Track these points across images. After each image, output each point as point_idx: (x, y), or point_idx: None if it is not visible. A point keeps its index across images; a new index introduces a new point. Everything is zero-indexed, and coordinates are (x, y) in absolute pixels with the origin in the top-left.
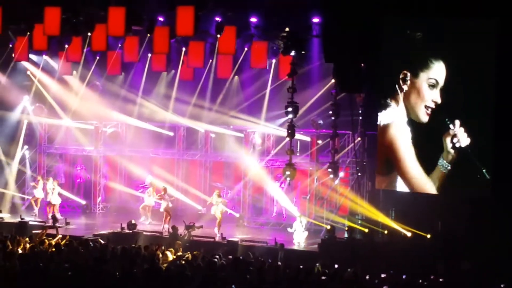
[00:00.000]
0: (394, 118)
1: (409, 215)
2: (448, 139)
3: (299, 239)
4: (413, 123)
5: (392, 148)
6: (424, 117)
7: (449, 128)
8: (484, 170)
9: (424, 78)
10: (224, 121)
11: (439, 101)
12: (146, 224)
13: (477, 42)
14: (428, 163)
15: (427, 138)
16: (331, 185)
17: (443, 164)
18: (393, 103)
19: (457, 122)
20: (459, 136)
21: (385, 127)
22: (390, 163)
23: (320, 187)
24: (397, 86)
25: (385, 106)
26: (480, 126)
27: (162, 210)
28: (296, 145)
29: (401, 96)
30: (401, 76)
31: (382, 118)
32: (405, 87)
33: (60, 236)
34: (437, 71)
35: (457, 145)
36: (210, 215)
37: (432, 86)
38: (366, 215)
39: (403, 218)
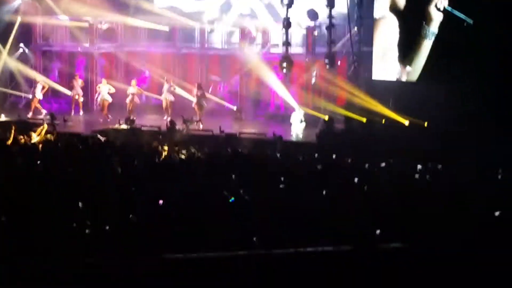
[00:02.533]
0: (382, 11)
1: (406, 103)
2: (431, 8)
3: (297, 131)
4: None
5: (385, 39)
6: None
7: None
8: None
9: None
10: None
11: None
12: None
13: None
14: (412, 44)
15: (412, 12)
16: (328, 76)
17: (431, 31)
18: None
19: None
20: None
21: (377, 21)
22: (386, 53)
23: (318, 78)
24: None
25: None
26: None
27: (165, 104)
28: (293, 37)
29: None
30: None
31: (375, 11)
32: None
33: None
34: None
35: (441, 7)
36: (208, 109)
37: None
38: (364, 105)
39: (401, 107)
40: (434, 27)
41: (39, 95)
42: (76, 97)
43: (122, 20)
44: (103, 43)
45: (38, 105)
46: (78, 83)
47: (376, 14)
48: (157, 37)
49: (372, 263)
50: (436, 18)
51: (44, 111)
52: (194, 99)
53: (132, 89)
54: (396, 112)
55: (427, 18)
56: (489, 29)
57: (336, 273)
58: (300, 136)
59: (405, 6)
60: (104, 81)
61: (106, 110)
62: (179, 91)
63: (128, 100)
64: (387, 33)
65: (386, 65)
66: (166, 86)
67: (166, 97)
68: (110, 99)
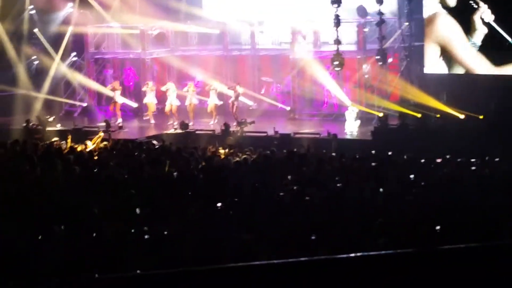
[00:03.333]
0: (433, 7)
1: (460, 97)
2: (476, 17)
3: (352, 128)
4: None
5: (437, 35)
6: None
7: (476, 7)
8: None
9: None
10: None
11: None
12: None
13: None
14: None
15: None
16: (380, 73)
17: (473, 42)
18: None
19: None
20: (486, 12)
21: (428, 16)
22: (438, 48)
23: (370, 75)
24: None
25: None
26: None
27: (210, 109)
28: (343, 34)
29: None
30: None
31: (425, 7)
32: None
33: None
34: None
35: (486, 20)
36: (261, 110)
37: None
38: (418, 100)
39: (455, 100)
40: (477, 39)
41: (119, 99)
42: (152, 105)
43: (172, 25)
44: (154, 48)
45: (118, 112)
46: (152, 89)
47: (426, 10)
48: (208, 40)
49: (434, 266)
50: (480, 30)
51: (120, 120)
52: (232, 97)
53: (191, 90)
54: (450, 106)
55: (471, 28)
56: None
57: (395, 279)
58: (355, 134)
59: (455, 6)
60: (172, 84)
61: (171, 113)
62: (231, 93)
63: (187, 103)
64: (438, 28)
65: (438, 59)
66: (212, 90)
67: (211, 101)
68: (178, 103)
